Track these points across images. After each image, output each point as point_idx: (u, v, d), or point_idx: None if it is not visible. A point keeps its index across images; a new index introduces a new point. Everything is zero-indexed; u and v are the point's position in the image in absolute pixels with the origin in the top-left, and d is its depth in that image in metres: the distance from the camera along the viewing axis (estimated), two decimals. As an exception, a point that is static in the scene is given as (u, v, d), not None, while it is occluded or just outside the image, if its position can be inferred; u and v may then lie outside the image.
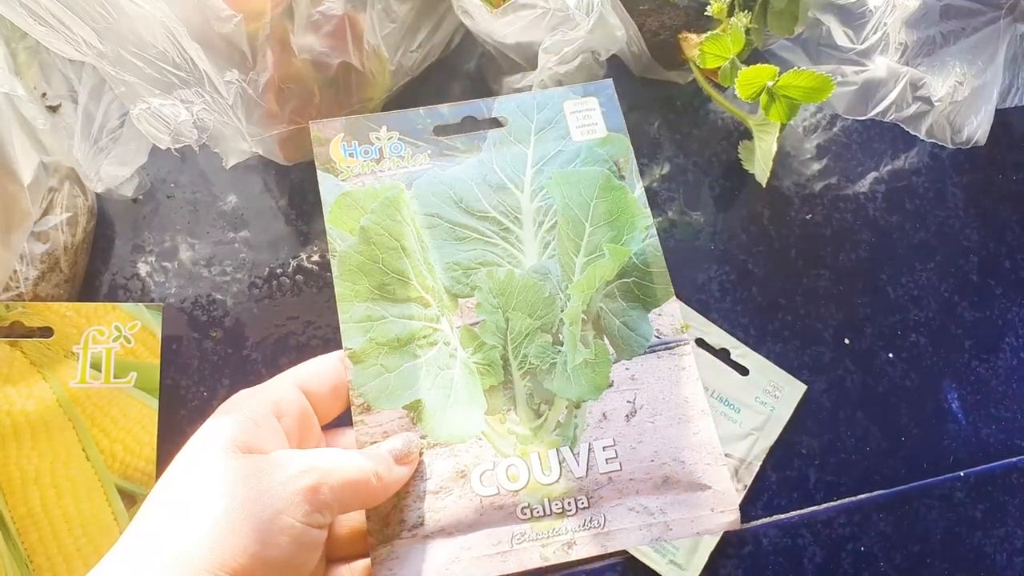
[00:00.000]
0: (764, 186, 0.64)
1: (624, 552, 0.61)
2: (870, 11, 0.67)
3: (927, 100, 0.67)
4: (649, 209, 0.48)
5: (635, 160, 0.49)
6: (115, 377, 0.58)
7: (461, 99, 0.70)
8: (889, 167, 0.72)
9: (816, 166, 0.71)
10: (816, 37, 0.69)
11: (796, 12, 0.68)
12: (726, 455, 0.63)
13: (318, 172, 0.47)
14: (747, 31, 0.63)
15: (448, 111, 0.50)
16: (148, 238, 0.64)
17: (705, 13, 0.65)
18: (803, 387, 0.65)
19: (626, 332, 0.45)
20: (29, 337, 0.58)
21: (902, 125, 0.68)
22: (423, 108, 0.49)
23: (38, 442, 0.57)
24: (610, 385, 0.44)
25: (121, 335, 0.59)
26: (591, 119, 0.50)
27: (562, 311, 0.45)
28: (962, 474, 0.65)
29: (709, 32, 0.63)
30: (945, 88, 0.67)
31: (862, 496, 0.64)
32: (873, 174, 0.71)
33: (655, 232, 0.47)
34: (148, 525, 0.36)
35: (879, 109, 0.67)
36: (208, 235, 0.65)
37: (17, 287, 0.58)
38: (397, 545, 0.40)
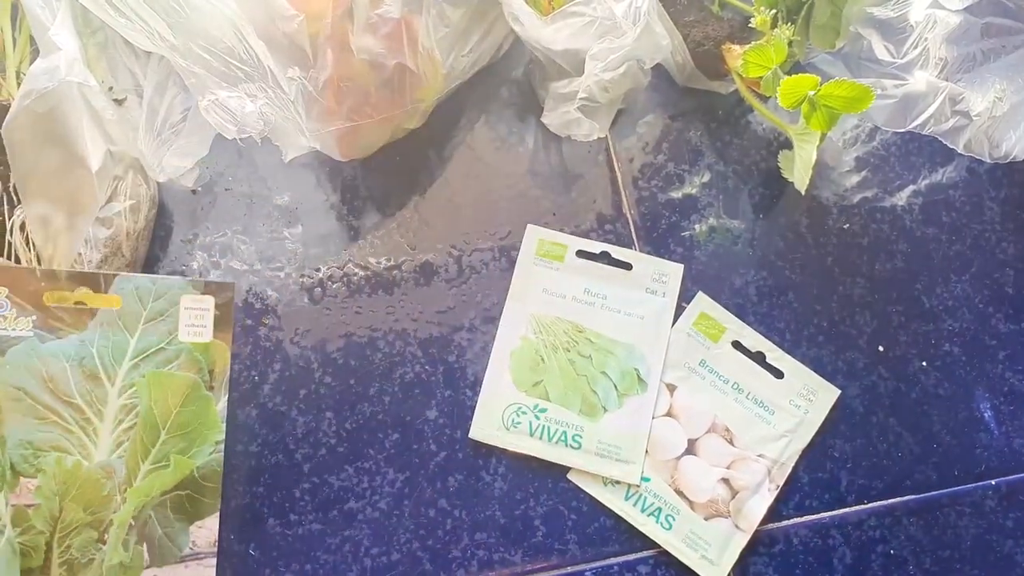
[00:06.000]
0: (803, 194, 0.65)
1: (657, 546, 0.62)
2: (911, 27, 0.69)
3: (966, 115, 0.68)
4: (225, 424, 0.50)
5: (231, 371, 0.51)
6: (170, 359, 0.61)
7: (511, 104, 0.72)
8: (927, 180, 0.73)
9: (855, 178, 0.73)
10: (857, 51, 0.71)
11: (838, 26, 0.69)
12: (760, 456, 0.64)
13: None
14: (790, 43, 0.65)
15: (65, 278, 0.50)
16: (205, 228, 0.67)
17: (749, 25, 0.66)
18: (837, 392, 0.66)
19: (165, 543, 0.48)
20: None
21: (940, 139, 0.69)
22: (43, 269, 0.50)
23: (96, 419, 0.60)
24: None
25: (177, 319, 0.61)
26: (202, 320, 0.51)
27: (115, 512, 0.47)
28: (993, 483, 0.66)
29: (753, 43, 0.65)
30: (984, 103, 0.68)
31: (893, 500, 0.65)
32: (911, 187, 0.73)
33: (223, 448, 0.49)
34: None
35: (918, 122, 0.68)
36: (262, 228, 0.67)
37: (81, 269, 0.61)
38: None
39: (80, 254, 0.61)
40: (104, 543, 0.46)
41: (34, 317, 0.47)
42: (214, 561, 0.48)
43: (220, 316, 0.51)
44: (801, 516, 0.64)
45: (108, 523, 0.46)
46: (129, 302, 0.49)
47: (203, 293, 0.51)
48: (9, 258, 0.60)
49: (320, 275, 0.67)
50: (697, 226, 0.70)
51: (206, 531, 0.49)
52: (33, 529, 0.45)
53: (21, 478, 0.46)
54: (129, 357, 0.49)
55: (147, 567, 0.47)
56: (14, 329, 0.47)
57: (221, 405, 0.50)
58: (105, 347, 0.49)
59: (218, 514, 0.49)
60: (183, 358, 0.50)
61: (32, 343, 0.47)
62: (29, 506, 0.46)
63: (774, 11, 0.66)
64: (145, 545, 0.47)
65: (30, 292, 0.47)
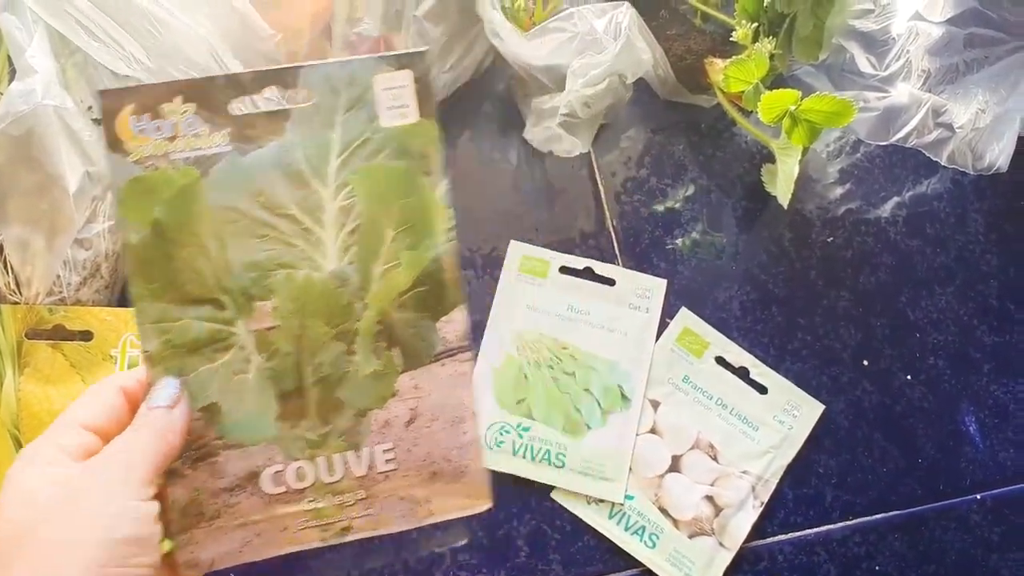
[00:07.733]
0: (786, 208, 0.65)
1: (641, 565, 0.62)
2: (893, 39, 0.69)
3: (949, 127, 0.68)
4: (451, 208, 0.46)
5: (443, 151, 0.46)
6: (151, 380, 0.61)
7: (494, 119, 0.72)
8: (911, 192, 0.73)
9: (838, 190, 0.72)
10: (839, 63, 0.71)
11: (820, 39, 0.69)
12: (744, 472, 0.64)
13: (105, 153, 0.43)
14: (771, 56, 0.65)
15: (249, 80, 0.44)
16: (186, 247, 0.67)
17: (730, 39, 0.66)
18: (821, 407, 0.66)
19: (416, 343, 0.46)
20: (70, 340, 0.60)
21: (924, 151, 0.69)
22: (222, 76, 0.44)
23: (76, 441, 0.59)
24: (394, 394, 0.45)
25: (158, 340, 0.61)
26: (402, 99, 0.45)
27: (358, 321, 0.45)
28: (979, 497, 0.65)
29: (734, 57, 0.65)
30: (967, 115, 0.68)
31: (878, 516, 0.64)
32: (895, 199, 0.72)
33: (455, 235, 0.45)
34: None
35: (901, 135, 0.68)
36: (243, 246, 0.67)
37: (60, 292, 0.61)
38: (195, 534, 0.44)
39: (59, 276, 0.61)
40: (354, 354, 0.45)
41: (228, 129, 0.43)
42: (468, 354, 0.46)
43: (420, 90, 0.45)
44: (786, 533, 0.64)
45: (353, 333, 0.45)
46: (322, 94, 0.44)
47: (398, 68, 0.45)
48: (-13, 281, 0.60)
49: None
50: (680, 240, 0.70)
51: (454, 324, 0.46)
52: (279, 352, 0.44)
53: (255, 302, 0.44)
54: (335, 154, 0.45)
55: (402, 371, 0.45)
56: (211, 147, 0.43)
57: (441, 191, 0.45)
58: (308, 148, 0.44)
59: (464, 306, 0.46)
60: (391, 146, 0.45)
61: (233, 158, 0.43)
62: (270, 329, 0.44)
63: (755, 24, 0.66)
64: (396, 349, 0.45)
65: (217, 103, 0.43)
